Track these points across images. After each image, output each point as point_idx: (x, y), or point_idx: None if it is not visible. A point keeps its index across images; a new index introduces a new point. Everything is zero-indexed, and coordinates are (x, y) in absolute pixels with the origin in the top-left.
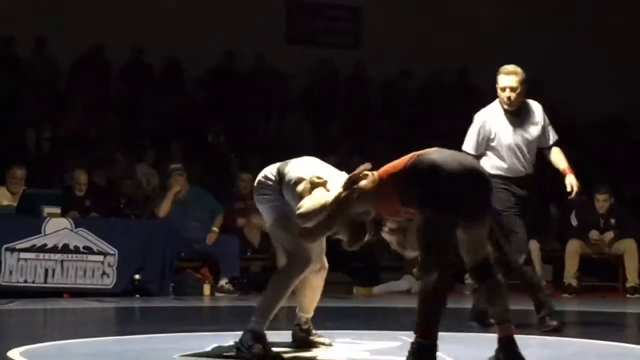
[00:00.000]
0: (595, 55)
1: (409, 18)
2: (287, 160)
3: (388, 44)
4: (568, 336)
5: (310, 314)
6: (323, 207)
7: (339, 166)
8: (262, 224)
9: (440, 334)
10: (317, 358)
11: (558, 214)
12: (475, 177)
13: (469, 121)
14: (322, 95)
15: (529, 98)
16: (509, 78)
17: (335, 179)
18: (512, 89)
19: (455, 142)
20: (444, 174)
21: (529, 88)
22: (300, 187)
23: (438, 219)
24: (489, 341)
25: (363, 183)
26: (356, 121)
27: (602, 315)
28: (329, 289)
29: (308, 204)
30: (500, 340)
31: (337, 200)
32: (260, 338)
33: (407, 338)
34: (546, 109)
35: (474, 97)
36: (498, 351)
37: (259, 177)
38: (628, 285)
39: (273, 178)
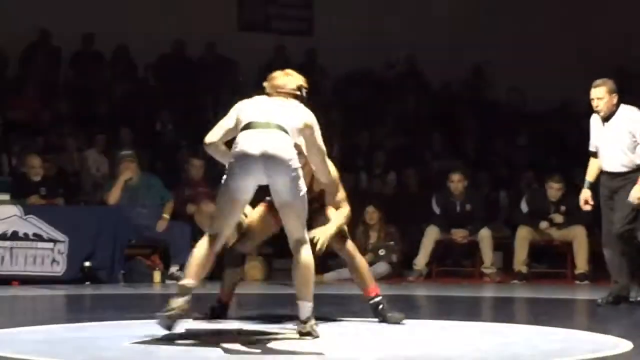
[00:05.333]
0: (546, 41)
1: (360, 6)
2: None
3: (339, 31)
4: (517, 322)
5: None
6: None
7: None
8: (212, 210)
9: None
10: (268, 345)
11: (508, 201)
12: None
13: (422, 106)
14: None
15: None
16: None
17: None
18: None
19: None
20: None
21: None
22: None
23: None
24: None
25: None
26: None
27: (551, 301)
28: (278, 276)
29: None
30: None
31: None
32: None
33: (357, 325)
34: (493, 94)
35: (422, 84)
36: None
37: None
38: (577, 272)
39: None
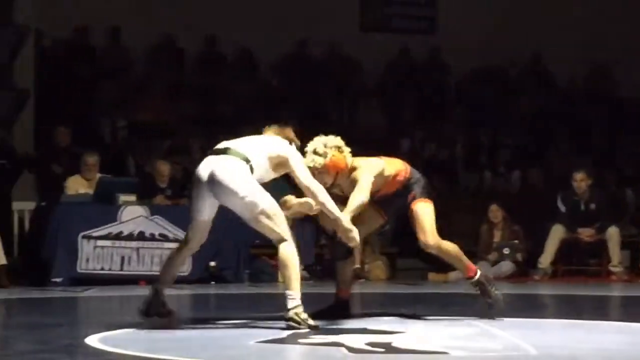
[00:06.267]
0: None
1: (483, 3)
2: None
3: (463, 29)
4: None
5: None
6: None
7: (412, 152)
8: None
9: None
10: (392, 344)
11: (634, 199)
12: None
13: (546, 103)
14: (396, 81)
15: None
16: None
17: None
18: None
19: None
20: None
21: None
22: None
23: None
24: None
25: None
26: (430, 107)
27: None
28: (402, 276)
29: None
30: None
31: None
32: None
33: (482, 324)
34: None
35: (547, 82)
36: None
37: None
38: None
39: None
